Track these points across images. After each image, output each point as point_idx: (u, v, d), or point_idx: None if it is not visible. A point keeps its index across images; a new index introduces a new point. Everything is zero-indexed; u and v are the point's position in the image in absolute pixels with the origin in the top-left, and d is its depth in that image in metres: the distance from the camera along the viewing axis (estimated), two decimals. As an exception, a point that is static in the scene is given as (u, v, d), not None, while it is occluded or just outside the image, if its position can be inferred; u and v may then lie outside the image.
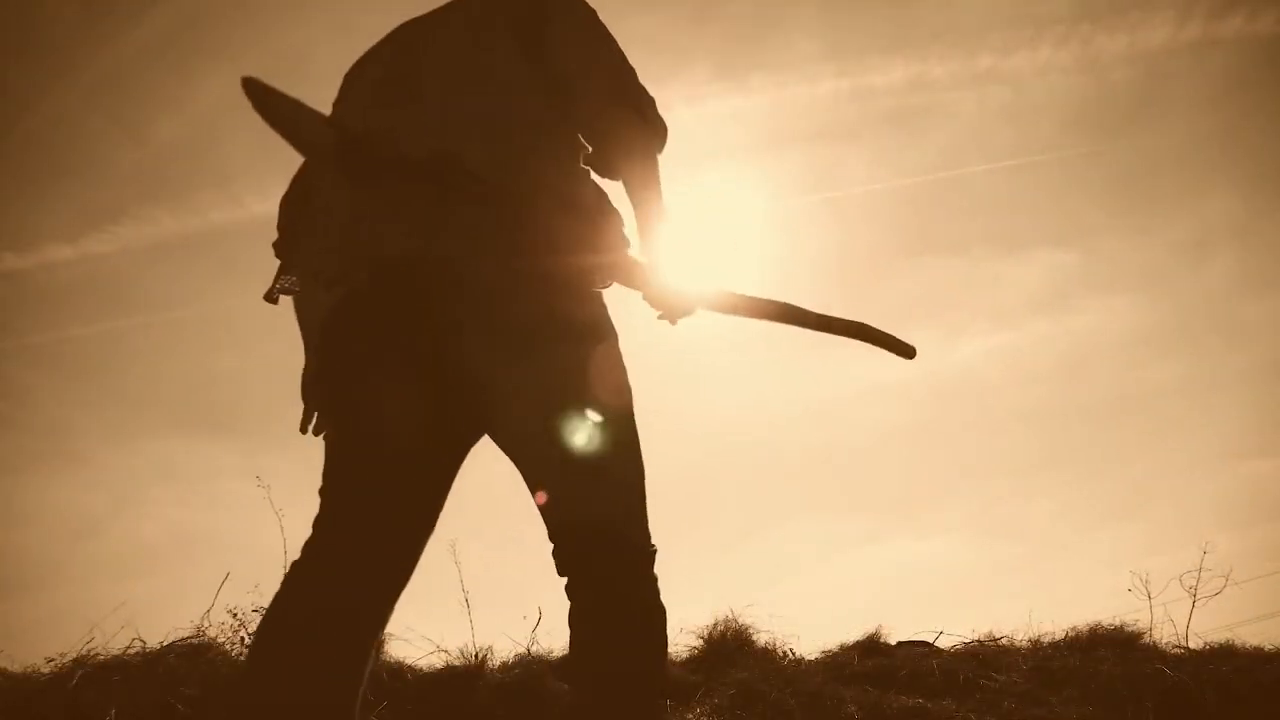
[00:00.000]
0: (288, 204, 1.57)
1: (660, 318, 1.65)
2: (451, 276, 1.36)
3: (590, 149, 1.57)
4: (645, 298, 1.61)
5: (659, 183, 1.56)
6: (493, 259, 1.37)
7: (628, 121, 1.53)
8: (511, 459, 1.45)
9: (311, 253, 1.47)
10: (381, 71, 1.57)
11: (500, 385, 1.38)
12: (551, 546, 1.44)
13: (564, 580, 1.44)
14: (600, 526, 1.41)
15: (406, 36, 1.61)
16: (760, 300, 1.70)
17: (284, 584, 1.38)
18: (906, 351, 1.82)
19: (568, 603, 1.43)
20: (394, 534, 1.44)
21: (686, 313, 1.64)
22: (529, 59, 1.49)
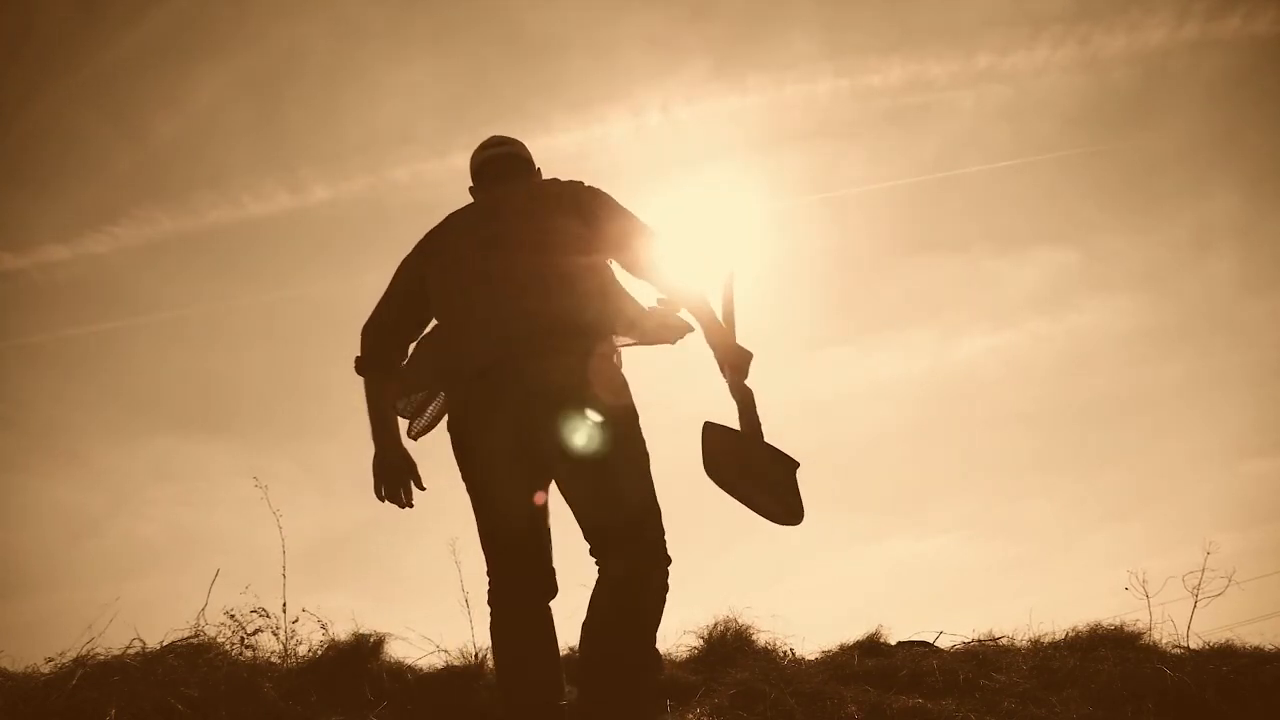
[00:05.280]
0: (385, 331, 2.26)
1: (731, 376, 2.12)
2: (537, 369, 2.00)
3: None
4: (722, 358, 2.12)
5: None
6: (563, 360, 2.00)
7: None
8: (571, 476, 2.00)
9: (462, 336, 2.12)
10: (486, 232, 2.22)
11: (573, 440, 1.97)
12: (593, 539, 1.96)
13: (596, 559, 1.96)
14: (641, 521, 1.97)
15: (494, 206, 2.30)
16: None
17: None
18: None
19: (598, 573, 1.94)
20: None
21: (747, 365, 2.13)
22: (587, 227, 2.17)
